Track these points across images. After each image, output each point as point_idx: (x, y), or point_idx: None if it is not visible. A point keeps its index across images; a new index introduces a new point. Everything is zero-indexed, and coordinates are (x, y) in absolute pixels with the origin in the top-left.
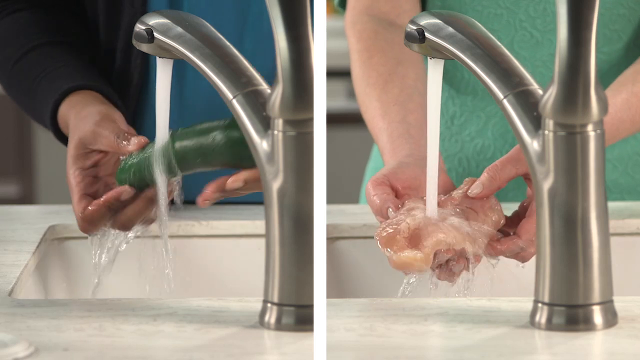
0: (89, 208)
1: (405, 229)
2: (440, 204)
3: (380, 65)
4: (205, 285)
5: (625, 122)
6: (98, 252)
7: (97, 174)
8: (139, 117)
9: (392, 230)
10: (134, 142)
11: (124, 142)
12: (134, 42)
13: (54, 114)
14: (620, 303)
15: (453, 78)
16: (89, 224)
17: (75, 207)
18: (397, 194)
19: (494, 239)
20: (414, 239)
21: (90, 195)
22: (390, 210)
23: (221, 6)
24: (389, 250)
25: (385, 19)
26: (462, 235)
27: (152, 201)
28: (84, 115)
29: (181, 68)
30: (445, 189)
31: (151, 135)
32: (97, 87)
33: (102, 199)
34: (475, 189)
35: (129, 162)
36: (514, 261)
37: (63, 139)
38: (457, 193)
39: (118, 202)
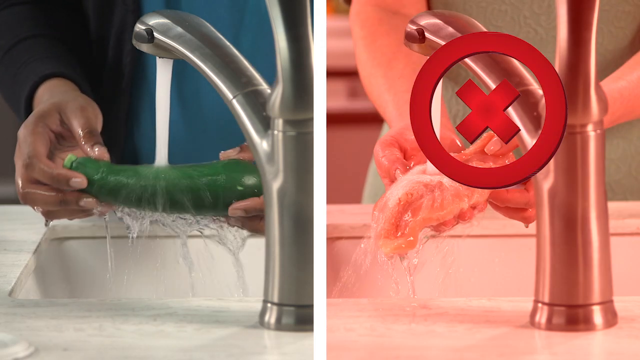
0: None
1: (389, 221)
2: None
3: (384, 47)
4: (205, 285)
5: None
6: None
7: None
8: (132, 114)
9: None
10: (101, 150)
11: (90, 145)
12: (134, 42)
13: (30, 95)
14: (620, 303)
15: (457, 77)
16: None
17: (42, 161)
18: (405, 155)
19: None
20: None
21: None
22: (398, 172)
23: (218, 5)
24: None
25: (390, 9)
26: (447, 201)
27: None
28: (70, 98)
29: (181, 68)
30: (452, 149)
31: (147, 135)
32: (78, 80)
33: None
34: (494, 145)
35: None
36: (514, 261)
37: None
38: (470, 148)
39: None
